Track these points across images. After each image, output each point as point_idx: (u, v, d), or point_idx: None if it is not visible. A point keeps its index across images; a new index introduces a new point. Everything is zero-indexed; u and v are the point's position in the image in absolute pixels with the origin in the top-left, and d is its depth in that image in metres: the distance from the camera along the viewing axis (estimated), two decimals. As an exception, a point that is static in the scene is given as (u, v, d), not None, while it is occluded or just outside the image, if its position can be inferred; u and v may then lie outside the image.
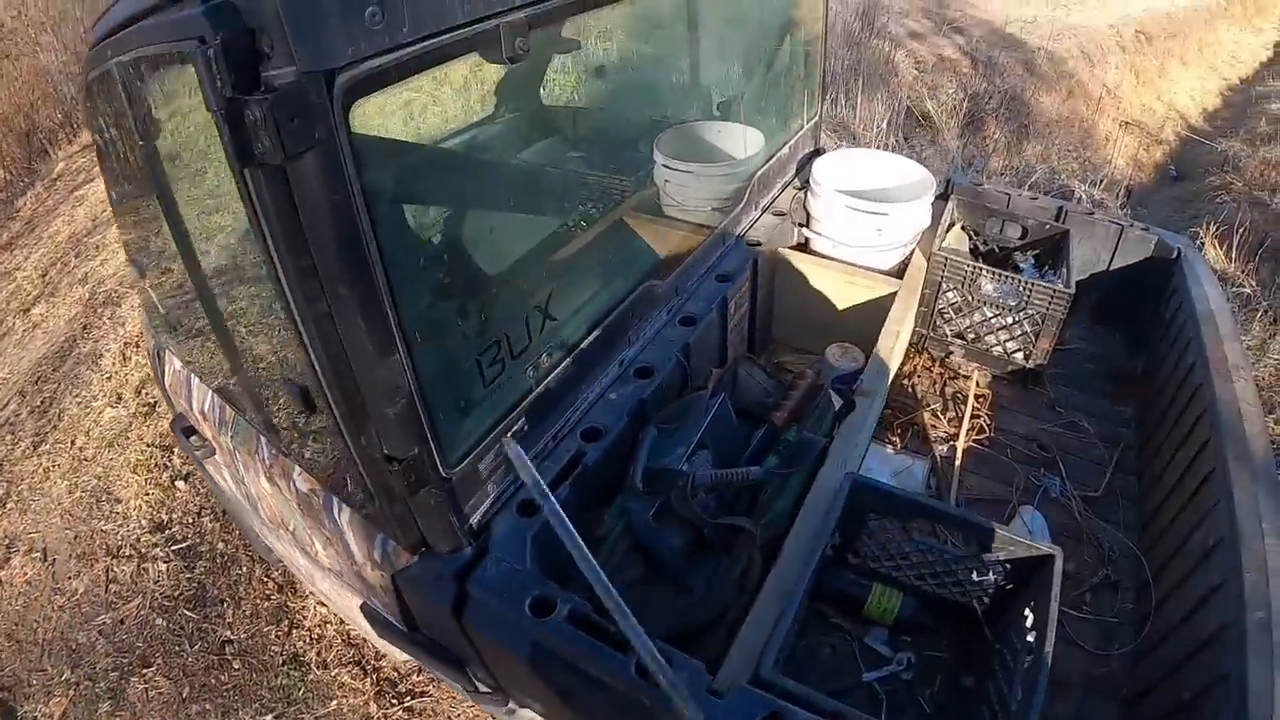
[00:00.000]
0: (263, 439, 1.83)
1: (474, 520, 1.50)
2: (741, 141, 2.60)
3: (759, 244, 2.32)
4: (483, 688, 1.63)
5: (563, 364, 1.67)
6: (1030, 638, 1.50)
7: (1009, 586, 1.72)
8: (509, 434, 1.52)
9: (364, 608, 1.77)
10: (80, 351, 5.63)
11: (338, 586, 1.97)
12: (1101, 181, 6.82)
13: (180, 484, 4.08)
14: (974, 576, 1.74)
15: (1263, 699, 1.29)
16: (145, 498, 4.07)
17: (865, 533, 1.78)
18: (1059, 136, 8.01)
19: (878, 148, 6.41)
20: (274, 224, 1.00)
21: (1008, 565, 1.69)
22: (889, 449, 2.29)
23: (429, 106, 4.13)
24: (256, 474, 1.93)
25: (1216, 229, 5.91)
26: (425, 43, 1.07)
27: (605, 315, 1.79)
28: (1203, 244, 5.75)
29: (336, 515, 1.63)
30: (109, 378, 5.20)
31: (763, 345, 2.53)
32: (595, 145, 2.71)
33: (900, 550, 1.78)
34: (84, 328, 5.89)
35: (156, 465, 4.24)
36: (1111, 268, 2.74)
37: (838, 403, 1.95)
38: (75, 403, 5.14)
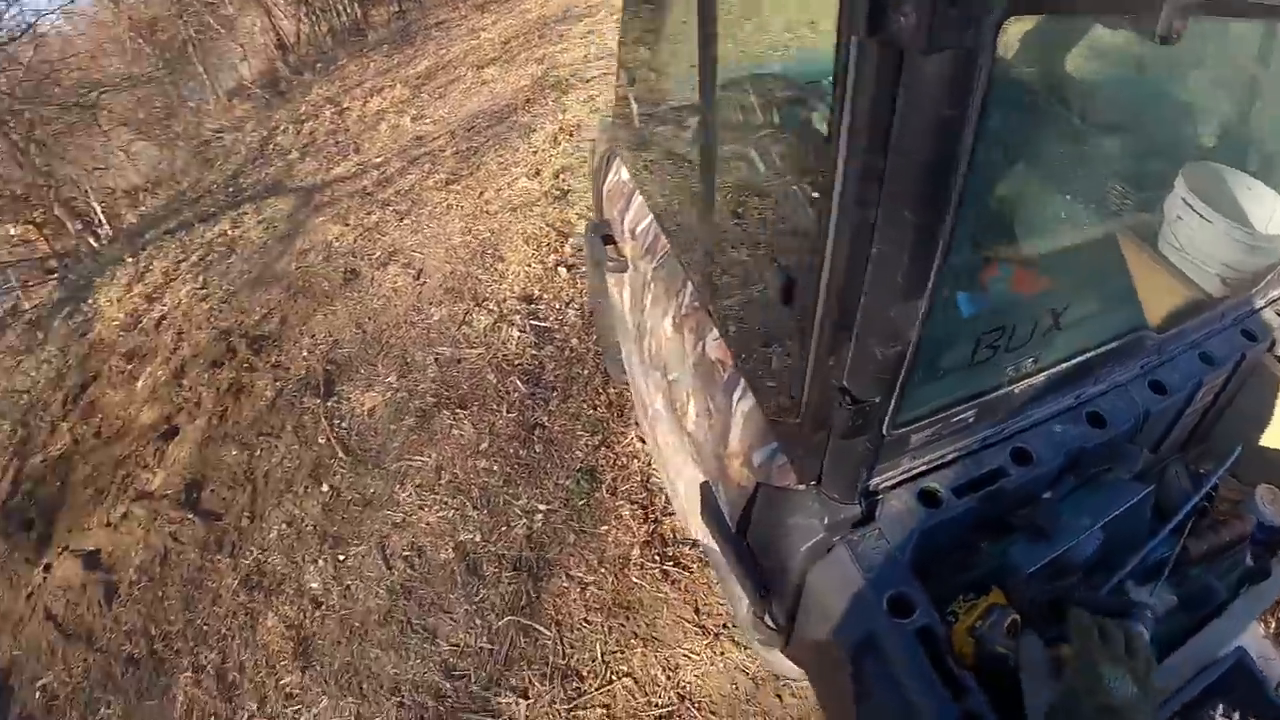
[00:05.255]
0: (689, 286, 1.81)
1: (874, 483, 1.40)
2: (1269, 211, 2.05)
3: (1254, 339, 1.86)
4: (768, 621, 1.59)
5: (1038, 374, 1.47)
6: None
7: None
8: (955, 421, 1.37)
9: (702, 485, 1.77)
10: (517, 120, 6.14)
11: (679, 447, 1.98)
12: None
13: (563, 270, 4.23)
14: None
15: None
16: (526, 268, 4.31)
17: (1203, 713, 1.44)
18: None
19: None
20: (859, 111, 0.84)
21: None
22: (1260, 626, 1.83)
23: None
24: (664, 313, 1.91)
25: None
26: None
27: (1097, 345, 1.54)
28: None
29: (734, 398, 1.59)
30: (535, 152, 5.51)
31: (1193, 446, 2.10)
32: (1128, 137, 2.27)
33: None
34: (527, 101, 6.40)
35: (548, 245, 4.44)
36: None
37: (1248, 559, 1.58)
38: (496, 161, 5.62)
